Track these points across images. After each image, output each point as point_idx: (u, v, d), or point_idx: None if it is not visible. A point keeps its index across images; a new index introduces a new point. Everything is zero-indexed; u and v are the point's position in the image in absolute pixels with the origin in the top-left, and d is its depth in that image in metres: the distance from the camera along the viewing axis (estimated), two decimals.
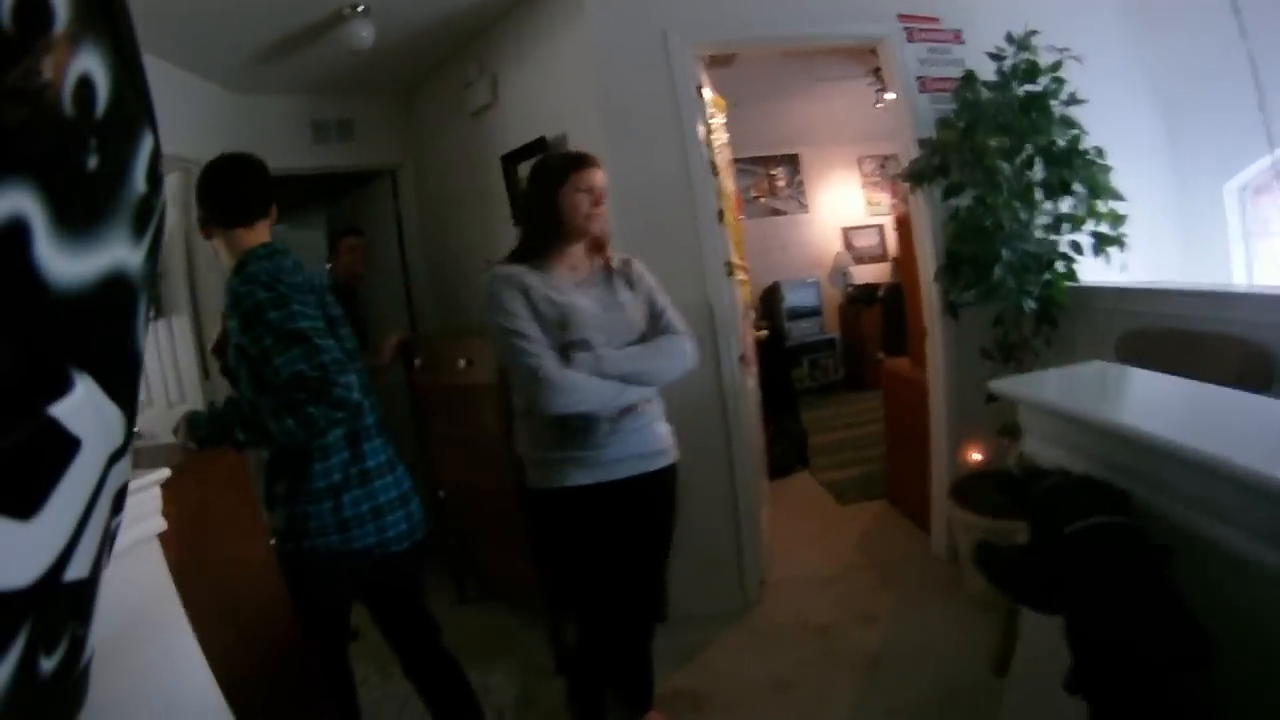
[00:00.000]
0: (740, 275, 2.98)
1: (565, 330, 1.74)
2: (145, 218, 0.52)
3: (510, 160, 3.09)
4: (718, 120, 3.01)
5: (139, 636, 1.04)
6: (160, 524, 1.13)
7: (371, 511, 1.70)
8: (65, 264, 0.42)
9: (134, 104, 0.51)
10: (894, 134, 5.93)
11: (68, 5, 0.41)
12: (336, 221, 4.87)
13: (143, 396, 3.47)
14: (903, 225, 3.23)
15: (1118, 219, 2.36)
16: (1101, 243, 2.35)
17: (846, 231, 6.88)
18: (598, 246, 1.92)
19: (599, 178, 1.84)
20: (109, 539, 0.56)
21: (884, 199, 6.90)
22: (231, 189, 1.70)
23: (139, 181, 0.51)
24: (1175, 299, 2.25)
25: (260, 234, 1.71)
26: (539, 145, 2.89)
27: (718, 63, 3.42)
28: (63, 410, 0.44)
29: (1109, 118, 2.54)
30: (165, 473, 1.13)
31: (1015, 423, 2.50)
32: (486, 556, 2.92)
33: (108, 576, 0.57)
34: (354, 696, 1.93)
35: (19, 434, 0.41)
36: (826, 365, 6.45)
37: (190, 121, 3.10)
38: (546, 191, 1.83)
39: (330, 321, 1.70)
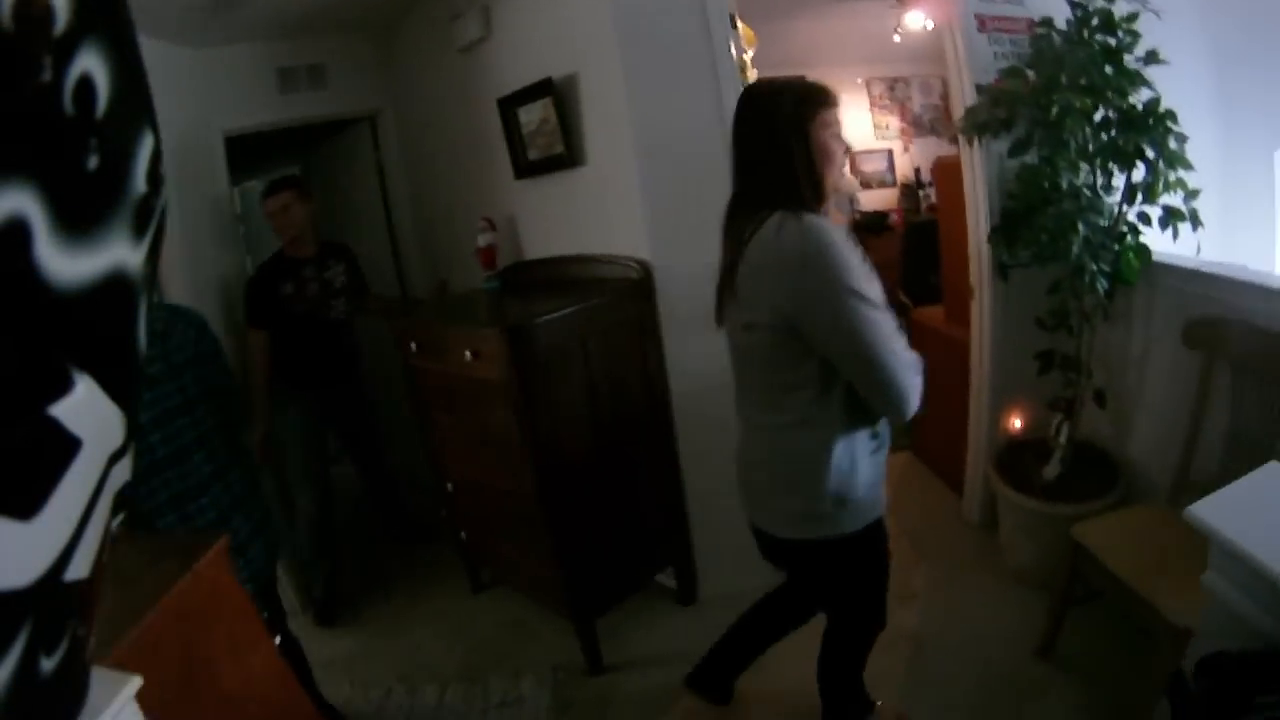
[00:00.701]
0: None
1: None
2: (146, 218, 0.52)
3: (509, 104, 2.73)
4: (748, 56, 2.70)
5: None
6: None
7: None
8: (66, 264, 0.42)
9: (134, 104, 0.50)
10: (908, 58, 5.79)
11: (68, 5, 0.41)
12: (313, 174, 4.37)
13: None
14: (945, 173, 2.96)
15: (1192, 193, 2.10)
16: (1171, 217, 2.11)
17: (854, 155, 6.56)
18: None
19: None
20: (110, 539, 0.56)
21: (892, 122, 6.57)
22: None
23: (139, 181, 0.51)
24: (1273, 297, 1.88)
25: None
26: (544, 87, 2.56)
27: None
28: (63, 410, 0.44)
29: (1165, 73, 2.21)
30: (136, 683, 0.81)
31: (1067, 397, 2.38)
32: (500, 549, 2.73)
33: None
34: None
35: (19, 434, 0.41)
36: None
37: None
38: (799, 129, 1.38)
39: None
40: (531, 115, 2.66)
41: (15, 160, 0.38)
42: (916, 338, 3.50)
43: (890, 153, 6.61)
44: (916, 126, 6.56)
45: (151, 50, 2.74)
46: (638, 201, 2.38)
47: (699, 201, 1.93)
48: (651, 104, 2.31)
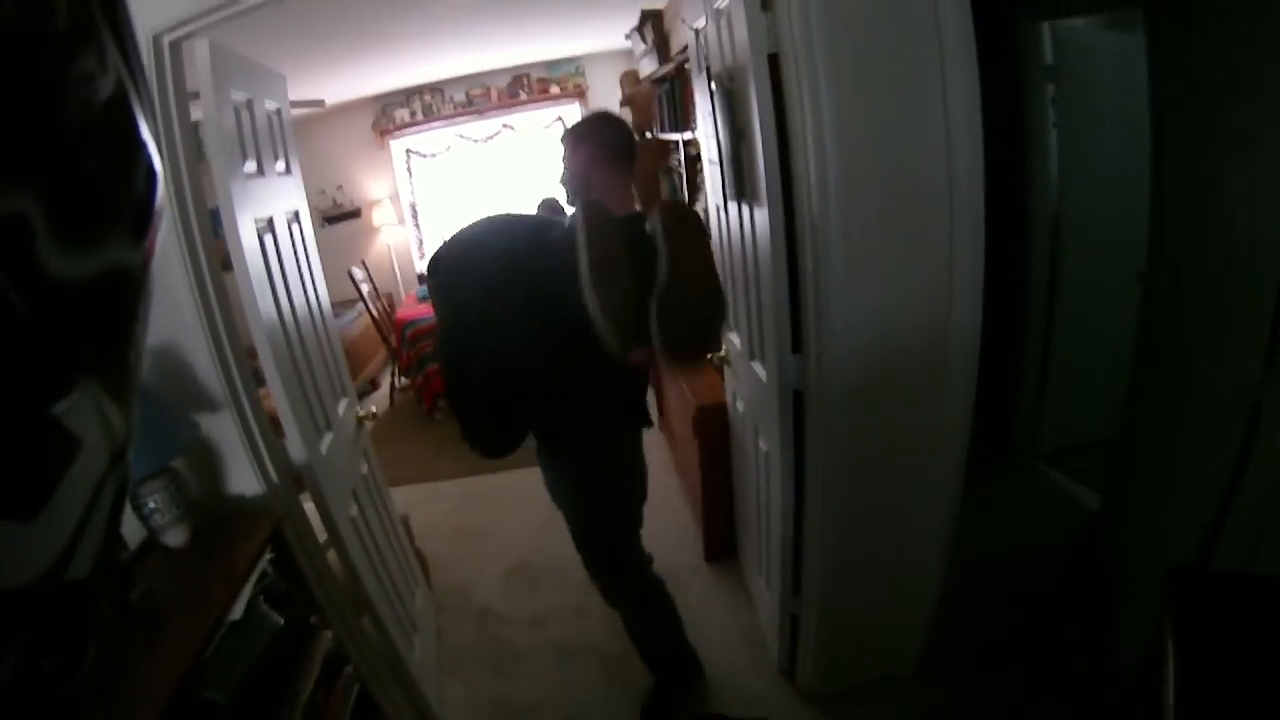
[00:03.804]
0: None
1: None
2: (145, 217, 0.52)
3: None
4: None
5: None
6: None
7: None
8: (65, 263, 0.42)
9: (135, 103, 0.50)
10: None
11: (68, 4, 0.41)
12: (1160, 29, 2.18)
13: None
14: None
15: None
16: None
17: None
18: None
19: None
20: (112, 540, 0.55)
21: None
22: None
23: (139, 181, 0.51)
24: None
25: None
26: None
27: None
28: (63, 410, 0.43)
29: None
30: None
31: None
32: None
33: None
34: None
35: (19, 434, 0.40)
36: None
37: None
38: None
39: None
40: None
41: (15, 160, 0.38)
42: None
43: None
44: None
45: None
46: None
47: None
48: None
